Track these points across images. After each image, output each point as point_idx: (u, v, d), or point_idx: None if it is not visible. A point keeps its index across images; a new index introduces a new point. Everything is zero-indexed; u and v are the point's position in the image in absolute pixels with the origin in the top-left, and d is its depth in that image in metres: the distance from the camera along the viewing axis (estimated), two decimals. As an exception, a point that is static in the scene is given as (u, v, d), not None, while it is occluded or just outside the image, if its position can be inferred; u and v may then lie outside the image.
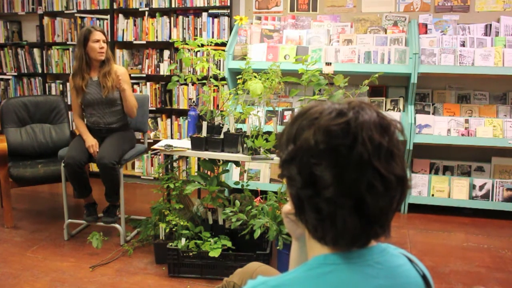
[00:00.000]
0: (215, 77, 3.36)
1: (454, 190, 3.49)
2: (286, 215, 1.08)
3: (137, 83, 4.26)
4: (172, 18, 4.13)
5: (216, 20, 4.01)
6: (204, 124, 2.59)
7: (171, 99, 4.23)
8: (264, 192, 2.77)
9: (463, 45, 3.53)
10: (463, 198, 3.47)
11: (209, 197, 2.55)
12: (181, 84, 4.11)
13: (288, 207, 1.05)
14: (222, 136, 2.55)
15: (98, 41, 2.89)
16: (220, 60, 3.99)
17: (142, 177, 4.37)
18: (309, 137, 0.74)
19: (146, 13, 4.19)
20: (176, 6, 4.08)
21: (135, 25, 4.23)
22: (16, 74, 4.65)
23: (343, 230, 0.74)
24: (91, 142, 2.90)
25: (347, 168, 0.71)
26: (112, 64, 2.99)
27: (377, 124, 0.74)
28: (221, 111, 2.75)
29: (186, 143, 2.73)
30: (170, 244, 2.51)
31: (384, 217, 0.75)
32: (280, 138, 0.82)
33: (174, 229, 2.57)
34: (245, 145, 2.50)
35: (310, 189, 0.74)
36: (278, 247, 2.35)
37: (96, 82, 2.96)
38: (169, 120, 4.26)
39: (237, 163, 2.83)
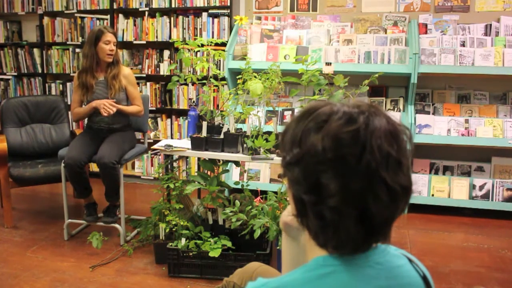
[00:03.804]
0: (215, 77, 3.36)
1: (454, 190, 3.48)
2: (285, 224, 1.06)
3: (137, 83, 4.24)
4: (172, 18, 4.12)
5: (216, 20, 4.01)
6: (204, 124, 2.59)
7: (171, 99, 4.23)
8: (264, 192, 2.76)
9: (463, 45, 3.53)
10: (463, 198, 3.47)
11: (209, 197, 2.54)
12: (181, 84, 4.10)
13: (288, 213, 1.03)
14: (222, 136, 2.55)
15: (109, 42, 2.91)
16: (220, 60, 3.99)
17: (142, 177, 4.37)
18: (317, 143, 0.72)
19: (146, 13, 4.18)
20: (176, 6, 4.08)
21: (135, 25, 4.23)
22: (16, 74, 4.64)
23: (346, 239, 0.73)
24: (99, 102, 2.87)
25: (354, 178, 0.70)
26: (120, 66, 3.02)
27: (387, 132, 0.72)
28: (221, 111, 2.75)
29: (186, 143, 2.73)
30: (170, 244, 2.51)
31: (387, 227, 0.76)
32: (283, 136, 0.79)
33: (174, 229, 2.57)
34: (245, 145, 2.50)
35: (314, 195, 0.73)
36: (278, 247, 2.35)
37: (102, 82, 2.98)
38: (169, 120, 4.26)
39: (237, 163, 2.83)
